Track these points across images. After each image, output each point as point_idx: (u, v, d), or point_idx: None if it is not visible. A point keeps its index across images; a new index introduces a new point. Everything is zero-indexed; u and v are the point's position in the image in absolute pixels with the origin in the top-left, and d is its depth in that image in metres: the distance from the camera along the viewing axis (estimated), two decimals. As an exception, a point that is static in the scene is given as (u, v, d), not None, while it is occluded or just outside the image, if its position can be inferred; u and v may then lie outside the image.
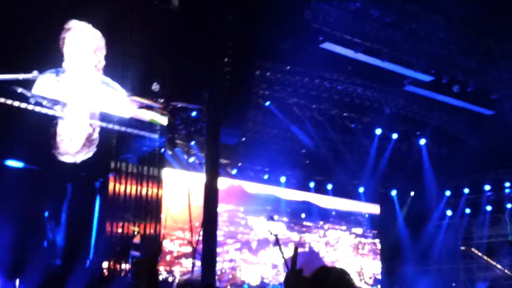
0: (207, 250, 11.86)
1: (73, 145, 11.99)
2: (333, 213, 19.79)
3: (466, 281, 19.50)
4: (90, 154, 12.21)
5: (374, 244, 20.57)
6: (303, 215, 19.22)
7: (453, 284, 19.27)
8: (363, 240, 20.41)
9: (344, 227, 20.02)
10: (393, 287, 18.59)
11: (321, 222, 19.58)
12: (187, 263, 15.72)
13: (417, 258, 19.28)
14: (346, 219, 20.15)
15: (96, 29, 11.43)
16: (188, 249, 15.72)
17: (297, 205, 19.02)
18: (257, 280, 17.03)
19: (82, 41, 11.31)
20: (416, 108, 16.77)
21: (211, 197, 12.34)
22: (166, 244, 15.62)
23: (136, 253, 12.10)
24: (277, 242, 15.76)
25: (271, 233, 16.10)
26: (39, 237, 12.18)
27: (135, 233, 14.08)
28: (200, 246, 12.43)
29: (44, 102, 11.16)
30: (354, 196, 19.92)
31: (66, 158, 11.72)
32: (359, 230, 20.38)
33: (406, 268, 19.32)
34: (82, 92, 11.48)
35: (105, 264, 13.33)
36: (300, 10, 11.97)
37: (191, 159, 15.87)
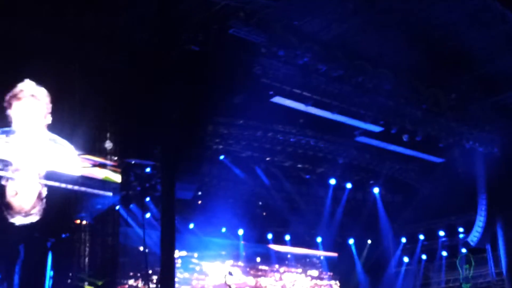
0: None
1: (23, 205, 11.82)
2: (289, 256, 19.73)
3: (426, 327, 19.59)
4: (40, 214, 12.01)
5: (330, 286, 20.50)
6: (258, 259, 19.13)
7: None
8: (319, 282, 20.33)
9: (300, 270, 19.96)
10: None
11: (277, 266, 19.51)
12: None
13: (377, 305, 19.37)
14: (302, 261, 20.09)
15: (44, 87, 11.40)
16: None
17: (253, 249, 18.93)
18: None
19: (31, 107, 11.29)
20: (368, 158, 17.09)
21: (168, 254, 12.28)
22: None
23: None
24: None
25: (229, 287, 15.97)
26: (-10, 301, 11.86)
27: (91, 292, 13.85)
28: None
29: (-6, 164, 11.03)
30: (312, 245, 19.98)
31: (17, 220, 11.53)
32: (315, 273, 20.32)
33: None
34: (31, 152, 11.38)
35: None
36: (250, 66, 12.22)
37: (147, 215, 15.77)
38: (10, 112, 11.12)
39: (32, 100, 11.45)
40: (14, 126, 11.16)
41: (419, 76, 14.09)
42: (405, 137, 15.17)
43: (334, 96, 13.41)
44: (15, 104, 11.19)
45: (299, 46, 12.16)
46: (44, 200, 11.95)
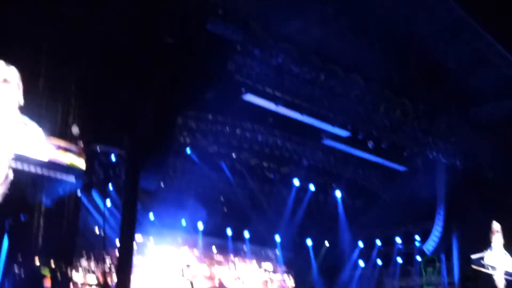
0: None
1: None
2: (245, 247, 19.74)
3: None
4: (2, 197, 11.80)
5: (284, 280, 20.61)
6: (214, 249, 19.12)
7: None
8: (273, 275, 20.39)
9: (254, 261, 20.01)
10: None
11: (232, 256, 19.54)
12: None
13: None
14: (257, 254, 20.12)
15: (15, 68, 11.19)
16: (93, 279, 15.43)
17: (210, 239, 18.89)
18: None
19: (3, 93, 11.08)
20: (333, 161, 17.25)
21: (126, 243, 12.19)
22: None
23: None
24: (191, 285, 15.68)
25: (187, 280, 15.97)
26: None
27: (45, 276, 13.70)
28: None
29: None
30: (270, 244, 20.04)
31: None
32: (269, 266, 20.38)
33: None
34: (0, 134, 11.17)
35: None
36: (224, 62, 12.22)
37: (108, 203, 15.63)
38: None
39: (3, 86, 11.22)
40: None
41: (390, 85, 14.29)
42: (370, 144, 15.34)
43: (305, 98, 13.49)
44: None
45: (274, 46, 12.23)
46: (9, 183, 11.74)
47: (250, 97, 13.34)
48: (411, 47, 13.15)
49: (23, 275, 13.31)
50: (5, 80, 11.20)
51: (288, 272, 20.72)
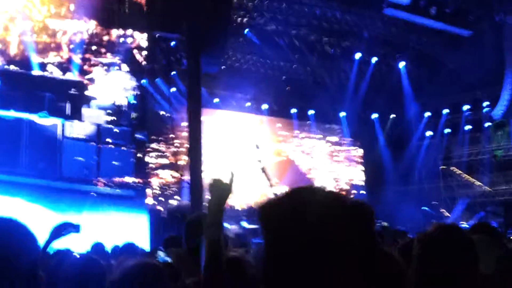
0: (194, 179, 12.09)
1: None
2: (309, 122, 19.99)
3: (446, 199, 19.91)
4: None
5: (349, 151, 20.87)
6: (279, 124, 19.46)
7: (434, 203, 19.63)
8: (337, 147, 20.71)
9: (319, 136, 20.30)
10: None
11: (297, 131, 19.83)
12: (164, 175, 15.98)
13: (398, 178, 19.63)
14: (323, 129, 20.37)
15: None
16: (165, 160, 16.06)
17: (275, 117, 19.20)
18: (243, 205, 17.36)
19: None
20: (395, 31, 16.75)
21: (194, 127, 12.51)
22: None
23: None
24: (263, 170, 15.98)
25: (259, 161, 16.31)
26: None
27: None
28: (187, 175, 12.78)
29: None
30: (335, 120, 20.11)
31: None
32: (334, 139, 20.65)
33: (388, 189, 19.66)
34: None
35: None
36: None
37: (173, 89, 15.93)
38: None
39: None
40: None
41: None
42: (433, 10, 14.79)
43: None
44: None
45: None
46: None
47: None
48: None
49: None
50: None
51: (355, 144, 20.86)
